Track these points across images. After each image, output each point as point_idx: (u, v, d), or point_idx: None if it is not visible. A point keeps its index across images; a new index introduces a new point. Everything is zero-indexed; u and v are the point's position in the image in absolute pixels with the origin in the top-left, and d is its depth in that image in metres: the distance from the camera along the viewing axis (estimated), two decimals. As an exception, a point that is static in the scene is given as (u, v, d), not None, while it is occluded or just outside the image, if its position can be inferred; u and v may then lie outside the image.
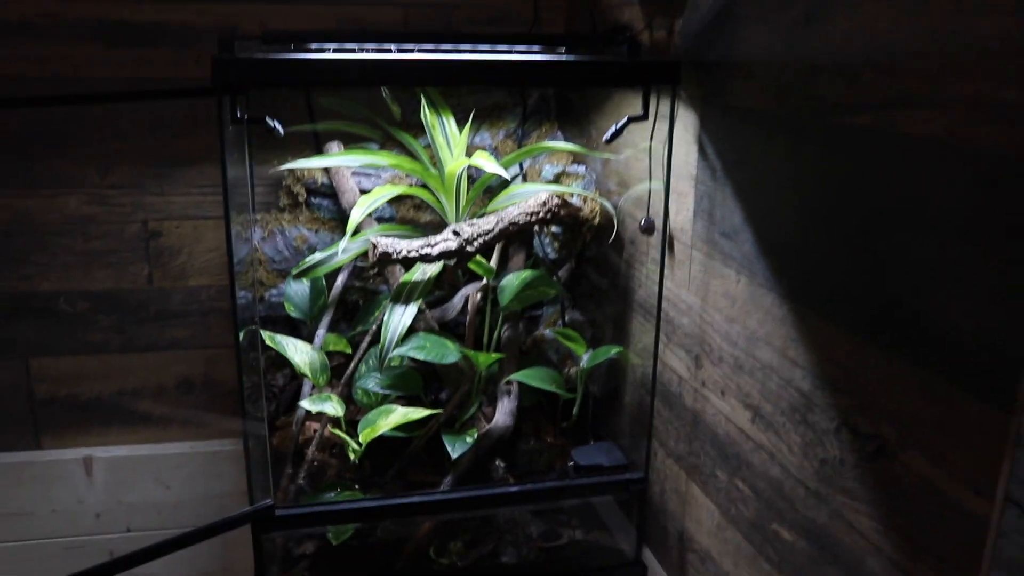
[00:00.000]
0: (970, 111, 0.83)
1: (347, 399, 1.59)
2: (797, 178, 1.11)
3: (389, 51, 1.38)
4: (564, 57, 1.39)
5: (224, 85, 1.18)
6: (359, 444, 1.45)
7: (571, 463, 1.55)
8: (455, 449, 1.48)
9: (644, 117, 1.39)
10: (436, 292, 1.74)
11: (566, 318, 1.73)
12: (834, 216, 1.04)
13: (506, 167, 1.64)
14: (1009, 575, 0.84)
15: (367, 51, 1.37)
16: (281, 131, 1.33)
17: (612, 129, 1.40)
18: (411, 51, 1.37)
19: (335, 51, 1.36)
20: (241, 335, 1.42)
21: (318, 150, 1.76)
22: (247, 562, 1.87)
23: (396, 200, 1.76)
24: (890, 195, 0.94)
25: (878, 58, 0.95)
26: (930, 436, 0.91)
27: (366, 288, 1.75)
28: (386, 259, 1.41)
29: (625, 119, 1.39)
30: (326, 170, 1.73)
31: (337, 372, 1.65)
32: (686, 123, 1.39)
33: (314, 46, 1.39)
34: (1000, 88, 0.79)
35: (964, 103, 0.83)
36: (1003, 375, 0.80)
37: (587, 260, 1.76)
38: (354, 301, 1.75)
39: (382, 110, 1.75)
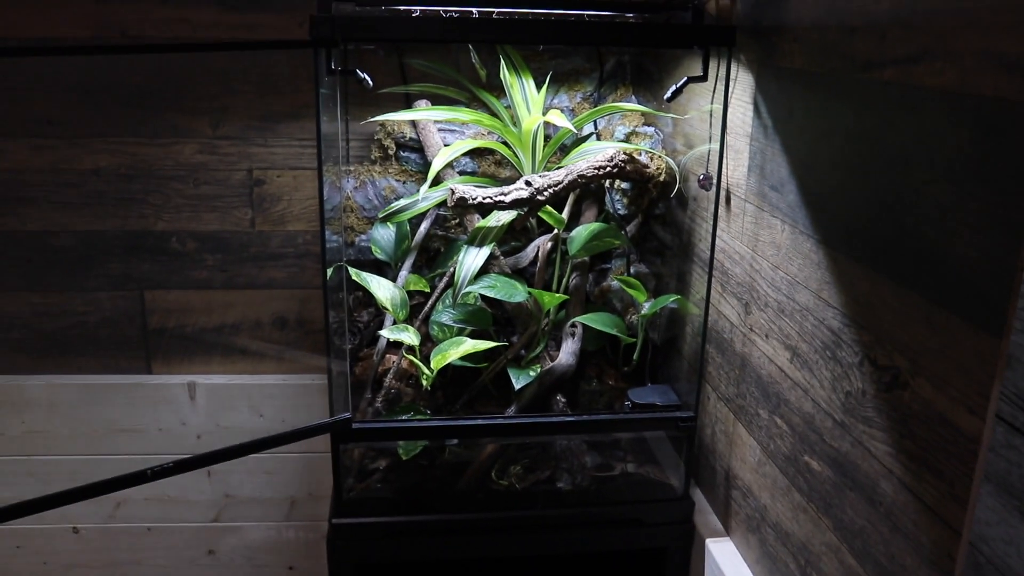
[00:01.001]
0: (977, 61, 0.91)
1: (424, 336, 1.73)
2: (833, 131, 1.20)
3: (471, 14, 1.51)
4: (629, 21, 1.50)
5: (320, 39, 1.33)
6: (431, 370, 1.59)
7: (627, 402, 1.66)
8: (519, 381, 1.61)
9: (703, 78, 1.49)
10: (512, 243, 1.87)
11: (631, 270, 1.84)
12: (862, 163, 1.13)
13: (579, 126, 1.75)
14: (996, 488, 0.92)
15: (451, 13, 1.51)
16: (371, 82, 1.48)
17: (672, 88, 1.51)
18: (490, 14, 1.50)
19: (421, 12, 1.49)
20: (330, 272, 1.58)
21: (408, 108, 1.90)
22: (329, 489, 2.06)
23: (479, 156, 1.90)
24: (908, 141, 1.03)
25: (902, 16, 1.03)
26: (935, 363, 0.99)
27: (447, 236, 1.89)
28: (463, 203, 1.54)
29: (684, 79, 1.49)
30: (414, 125, 1.88)
31: (416, 311, 1.79)
32: (744, 85, 1.48)
33: (403, 8, 1.53)
34: (1002, 39, 0.87)
35: (972, 54, 0.91)
36: (996, 301, 0.89)
37: (654, 217, 1.87)
38: (436, 248, 1.89)
39: (470, 73, 1.88)
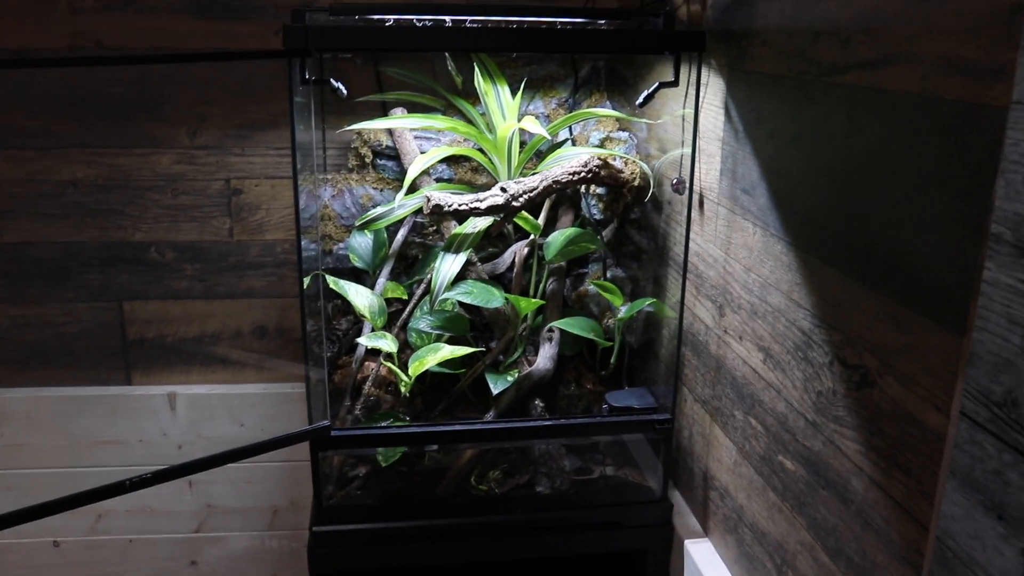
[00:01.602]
0: (939, 66, 0.92)
1: (403, 343, 1.74)
2: (801, 134, 1.22)
3: (444, 22, 1.52)
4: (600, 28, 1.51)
5: (294, 48, 1.33)
6: (409, 377, 1.60)
7: (605, 405, 1.68)
8: (496, 386, 1.62)
9: (675, 84, 1.50)
10: (490, 249, 1.88)
11: (608, 274, 1.85)
12: (830, 166, 1.14)
13: (554, 132, 1.77)
14: (961, 483, 0.94)
15: (424, 22, 1.52)
16: (345, 92, 1.49)
17: (644, 93, 1.52)
18: (463, 23, 1.51)
19: (394, 21, 1.50)
20: (307, 281, 1.58)
21: (385, 116, 1.91)
22: (311, 497, 2.05)
23: (455, 163, 1.91)
24: (874, 145, 1.04)
25: (867, 22, 1.05)
26: (902, 362, 1.01)
27: (424, 243, 1.89)
28: (439, 211, 1.55)
29: (656, 84, 1.51)
30: (390, 133, 1.89)
31: (394, 318, 1.80)
32: (714, 89, 1.50)
33: (376, 18, 1.54)
34: (962, 45, 0.89)
35: (934, 60, 0.93)
36: (959, 300, 0.90)
37: (629, 221, 1.88)
38: (413, 255, 1.90)
39: (446, 81, 1.89)
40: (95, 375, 2.14)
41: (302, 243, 1.50)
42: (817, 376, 1.20)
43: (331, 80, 1.46)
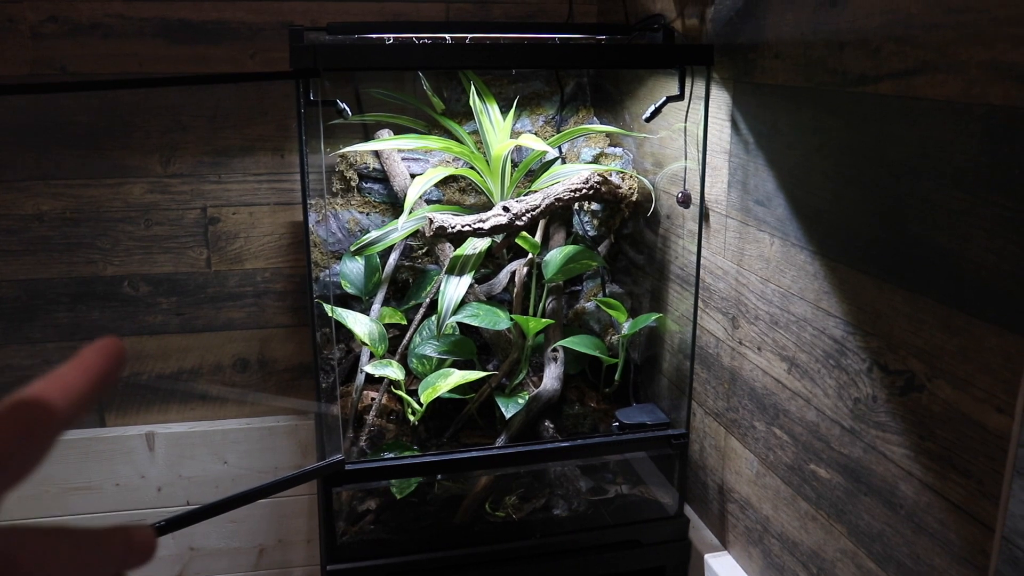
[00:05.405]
0: (984, 72, 0.94)
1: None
2: (825, 144, 1.23)
3: (444, 40, 1.50)
4: (609, 43, 1.51)
5: (303, 69, 1.29)
6: (420, 405, 1.56)
7: (615, 423, 1.66)
8: (508, 409, 1.59)
9: (680, 97, 1.50)
10: (482, 269, 1.85)
11: (606, 291, 1.84)
12: (860, 175, 1.15)
13: (556, 147, 1.76)
14: (1029, 482, 0.95)
15: (424, 40, 1.49)
16: (349, 113, 1.45)
17: (652, 108, 1.52)
18: (464, 40, 1.49)
19: (394, 40, 1.48)
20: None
21: (366, 139, 1.88)
22: (299, 534, 1.99)
23: (442, 184, 1.88)
24: (911, 151, 1.05)
25: (897, 32, 1.06)
26: (954, 365, 1.02)
27: (415, 267, 1.86)
28: (442, 233, 1.53)
29: (664, 98, 1.51)
30: (377, 156, 1.85)
31: (391, 345, 1.76)
32: (718, 102, 1.50)
33: (374, 36, 1.51)
34: (1010, 51, 0.90)
35: (978, 66, 0.95)
36: (1019, 301, 0.91)
37: (624, 236, 1.88)
38: (404, 279, 1.86)
39: (426, 102, 1.86)
40: (66, 418, 2.03)
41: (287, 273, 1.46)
42: (853, 383, 1.21)
43: (336, 101, 1.43)
